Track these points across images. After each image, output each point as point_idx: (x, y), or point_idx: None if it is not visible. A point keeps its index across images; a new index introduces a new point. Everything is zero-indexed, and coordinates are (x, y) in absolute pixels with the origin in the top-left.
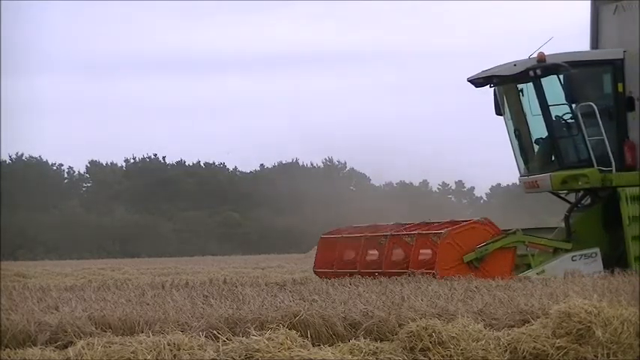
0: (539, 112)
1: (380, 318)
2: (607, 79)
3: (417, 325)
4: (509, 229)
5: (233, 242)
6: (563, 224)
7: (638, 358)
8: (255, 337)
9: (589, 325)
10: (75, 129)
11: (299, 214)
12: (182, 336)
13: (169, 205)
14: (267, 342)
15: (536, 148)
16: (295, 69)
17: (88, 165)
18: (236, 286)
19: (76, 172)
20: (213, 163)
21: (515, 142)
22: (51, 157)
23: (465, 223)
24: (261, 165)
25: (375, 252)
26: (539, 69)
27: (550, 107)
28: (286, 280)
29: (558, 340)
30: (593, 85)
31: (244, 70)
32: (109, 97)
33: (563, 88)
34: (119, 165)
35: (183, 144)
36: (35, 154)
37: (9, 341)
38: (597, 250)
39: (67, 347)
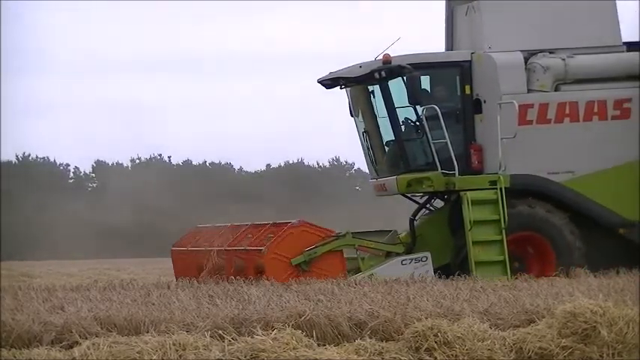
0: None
1: (385, 318)
2: (454, 82)
3: (423, 325)
4: (339, 232)
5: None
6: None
7: None
8: (260, 337)
9: (594, 325)
10: (80, 129)
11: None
12: (188, 336)
13: (176, 205)
14: (272, 342)
15: (387, 150)
16: (295, 69)
17: (94, 165)
18: (241, 286)
19: (82, 172)
20: (220, 163)
21: (365, 144)
22: (58, 157)
23: (282, 230)
24: (267, 165)
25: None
26: (384, 71)
27: (397, 110)
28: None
29: (564, 340)
30: (440, 87)
31: (246, 70)
32: (112, 97)
33: (407, 91)
34: (125, 165)
35: (188, 144)
36: (41, 155)
37: (14, 341)
38: (428, 254)
39: (72, 347)
